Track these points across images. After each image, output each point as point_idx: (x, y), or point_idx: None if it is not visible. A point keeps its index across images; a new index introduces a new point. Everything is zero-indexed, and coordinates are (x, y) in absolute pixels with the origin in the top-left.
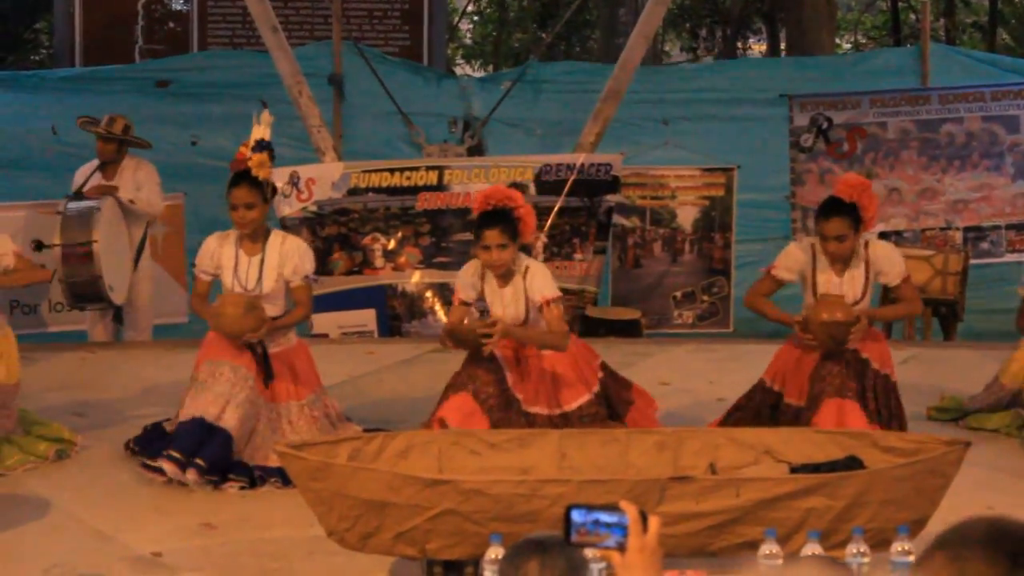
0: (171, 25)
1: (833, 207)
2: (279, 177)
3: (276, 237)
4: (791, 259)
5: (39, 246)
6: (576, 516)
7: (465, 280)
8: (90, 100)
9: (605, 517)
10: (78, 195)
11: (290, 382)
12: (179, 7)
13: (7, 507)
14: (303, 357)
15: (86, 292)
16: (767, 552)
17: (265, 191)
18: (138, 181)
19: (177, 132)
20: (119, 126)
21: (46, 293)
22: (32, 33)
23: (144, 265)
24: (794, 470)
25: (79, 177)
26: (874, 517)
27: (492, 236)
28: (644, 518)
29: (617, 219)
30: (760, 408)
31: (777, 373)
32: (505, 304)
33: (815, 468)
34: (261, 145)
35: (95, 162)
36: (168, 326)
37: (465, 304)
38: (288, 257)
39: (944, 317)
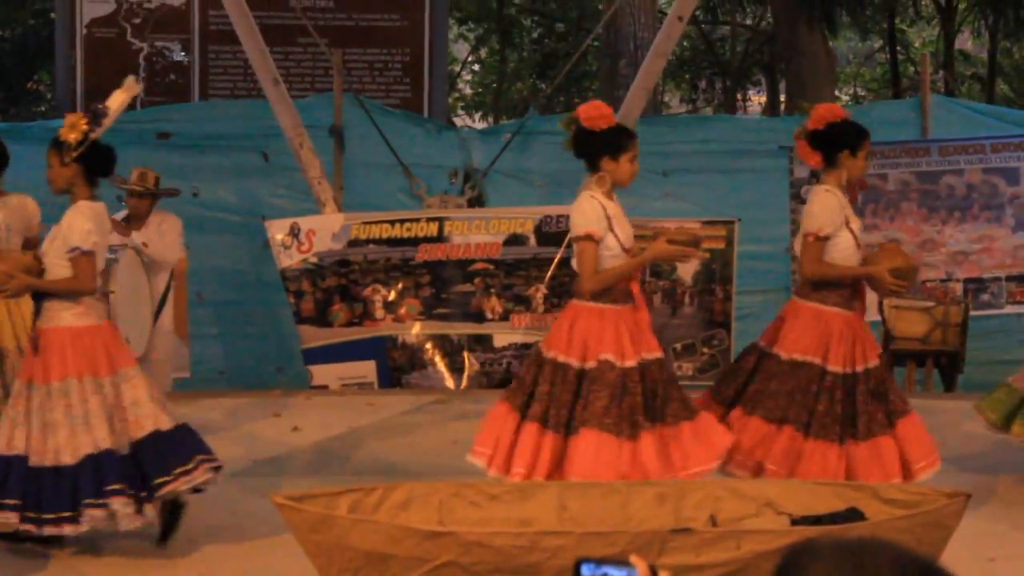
0: (172, 76)
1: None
2: (279, 228)
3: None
4: (832, 211)
5: None
6: (585, 571)
7: (594, 214)
8: None
9: (614, 572)
10: None
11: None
12: (180, 58)
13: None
14: (64, 339)
15: None
16: None
17: (63, 154)
18: (162, 231)
19: (178, 184)
20: (152, 179)
21: None
22: (34, 84)
23: (164, 318)
24: (795, 522)
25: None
26: None
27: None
28: (654, 573)
29: None
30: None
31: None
32: (625, 227)
33: (816, 520)
34: (96, 112)
35: (122, 214)
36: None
37: (596, 242)
38: (61, 224)
39: (944, 368)
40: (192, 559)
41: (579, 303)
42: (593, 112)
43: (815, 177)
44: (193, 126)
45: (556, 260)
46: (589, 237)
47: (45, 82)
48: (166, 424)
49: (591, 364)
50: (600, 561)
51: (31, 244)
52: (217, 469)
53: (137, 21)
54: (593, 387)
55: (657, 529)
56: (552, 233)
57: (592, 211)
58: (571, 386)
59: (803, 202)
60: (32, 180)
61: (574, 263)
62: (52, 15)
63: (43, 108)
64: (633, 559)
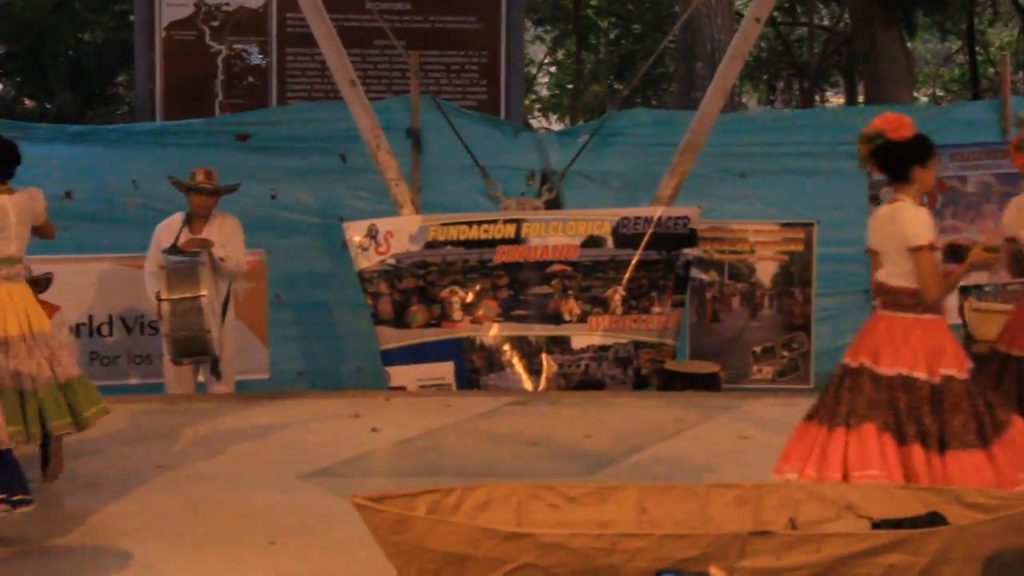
0: (250, 79)
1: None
2: (357, 230)
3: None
4: (929, 219)
5: (158, 297)
6: None
7: (929, 222)
8: (171, 154)
9: None
10: (175, 250)
11: None
12: (258, 61)
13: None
14: None
15: (193, 347)
16: None
17: None
18: (224, 235)
19: (256, 186)
20: (215, 177)
21: (126, 346)
22: (113, 88)
23: (229, 318)
24: (876, 526)
25: (164, 231)
26: (957, 574)
27: None
28: None
29: (695, 273)
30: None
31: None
32: None
33: (897, 524)
34: None
35: (177, 216)
36: (250, 382)
37: (935, 251)
38: None
39: None
40: (272, 559)
41: (914, 315)
42: (896, 123)
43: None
44: (271, 128)
45: (634, 262)
46: (931, 246)
47: (125, 85)
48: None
49: (937, 379)
50: (680, 572)
51: (40, 232)
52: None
53: (215, 24)
54: (948, 403)
55: (737, 532)
56: (630, 235)
57: (927, 220)
58: (924, 401)
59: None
60: (110, 181)
61: (887, 275)
62: (132, 18)
63: (122, 110)
64: (712, 570)
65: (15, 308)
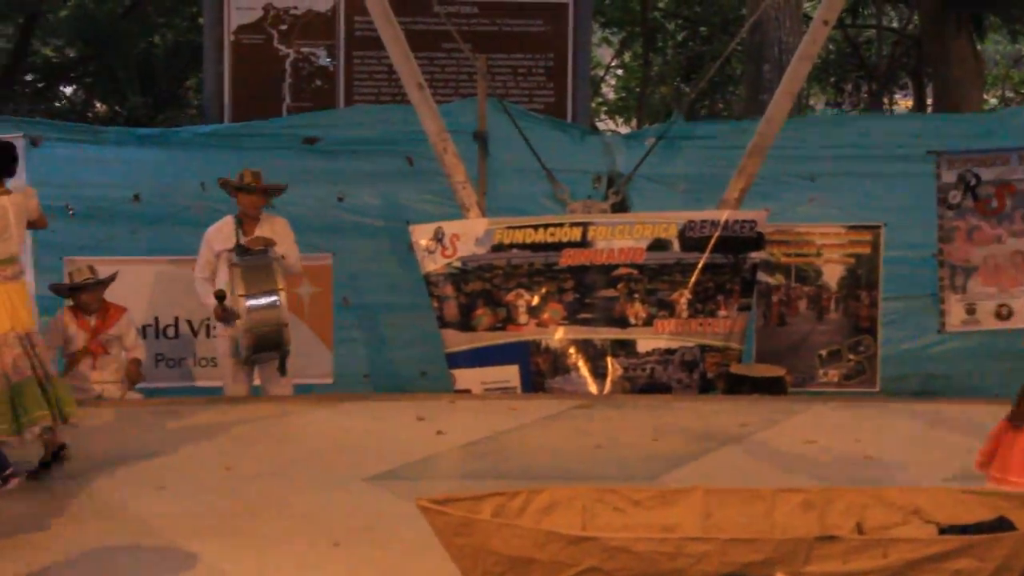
0: (317, 82)
1: None
2: (424, 233)
3: None
4: None
5: (221, 296)
6: None
7: None
8: (238, 157)
9: None
10: (242, 249)
11: None
12: (325, 64)
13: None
14: None
15: (269, 342)
16: None
17: None
18: (276, 236)
19: (324, 189)
20: (261, 178)
21: (191, 348)
22: (183, 91)
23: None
24: (943, 531)
25: (214, 235)
26: None
27: None
28: None
29: (761, 276)
30: None
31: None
32: None
33: (964, 529)
34: None
35: (228, 220)
36: (315, 386)
37: None
38: None
39: None
40: (337, 562)
41: None
42: None
43: (962, 181)
44: (338, 131)
45: (700, 265)
46: None
47: (194, 88)
48: None
49: None
50: None
51: (34, 225)
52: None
53: (283, 28)
54: None
55: (803, 536)
56: (696, 238)
57: None
58: None
59: (949, 207)
60: (177, 183)
61: None
62: (201, 21)
63: (192, 114)
64: (778, 575)
65: (7, 307)
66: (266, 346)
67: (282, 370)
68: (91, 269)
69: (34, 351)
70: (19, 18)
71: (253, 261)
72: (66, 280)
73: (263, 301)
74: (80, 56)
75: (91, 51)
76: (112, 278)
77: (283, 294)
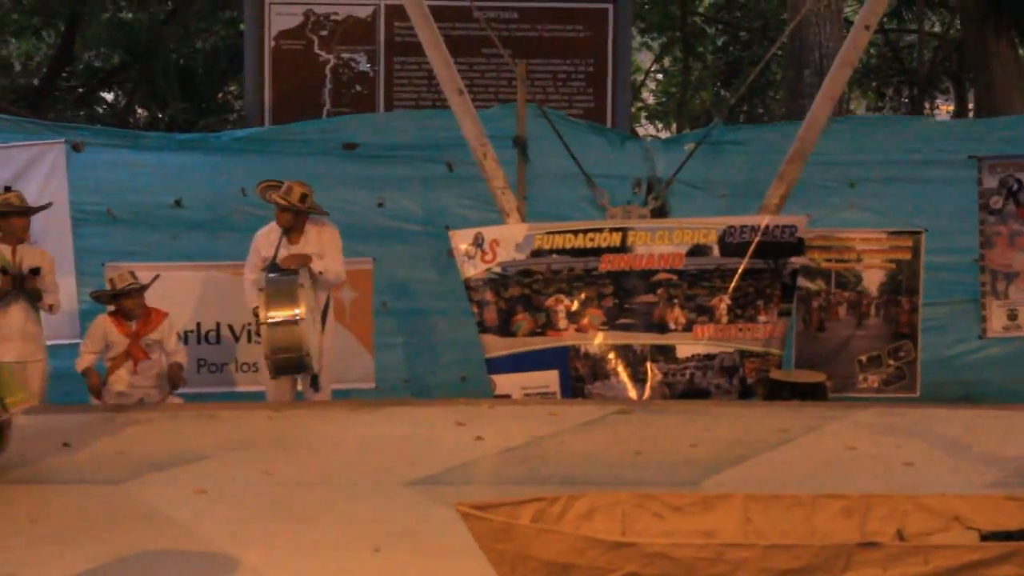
0: (357, 87)
1: None
2: (463, 238)
3: None
4: None
5: (255, 313)
6: None
7: None
8: (278, 162)
9: None
10: (274, 267)
11: None
12: (365, 69)
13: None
14: None
15: (290, 365)
16: None
17: None
18: (321, 246)
19: (364, 194)
20: (296, 195)
21: (232, 353)
22: (224, 96)
23: (329, 328)
24: (985, 538)
25: (263, 239)
26: None
27: None
28: None
29: (801, 282)
30: None
31: None
32: None
33: (1007, 536)
34: None
35: (276, 224)
36: (355, 391)
37: None
38: None
39: None
40: (376, 567)
41: None
42: None
43: (1004, 186)
44: (378, 136)
45: (740, 271)
46: None
47: (234, 93)
48: None
49: None
50: None
51: None
52: None
53: (324, 33)
54: None
55: (843, 543)
56: (736, 244)
57: None
58: None
59: (991, 212)
60: (218, 189)
61: None
62: (242, 27)
63: (232, 119)
64: None
65: None
66: (288, 369)
67: (315, 386)
68: (132, 275)
69: None
70: (61, 25)
71: (278, 283)
72: (107, 286)
73: (281, 326)
74: (121, 62)
75: (132, 57)
76: (154, 280)
77: (302, 320)
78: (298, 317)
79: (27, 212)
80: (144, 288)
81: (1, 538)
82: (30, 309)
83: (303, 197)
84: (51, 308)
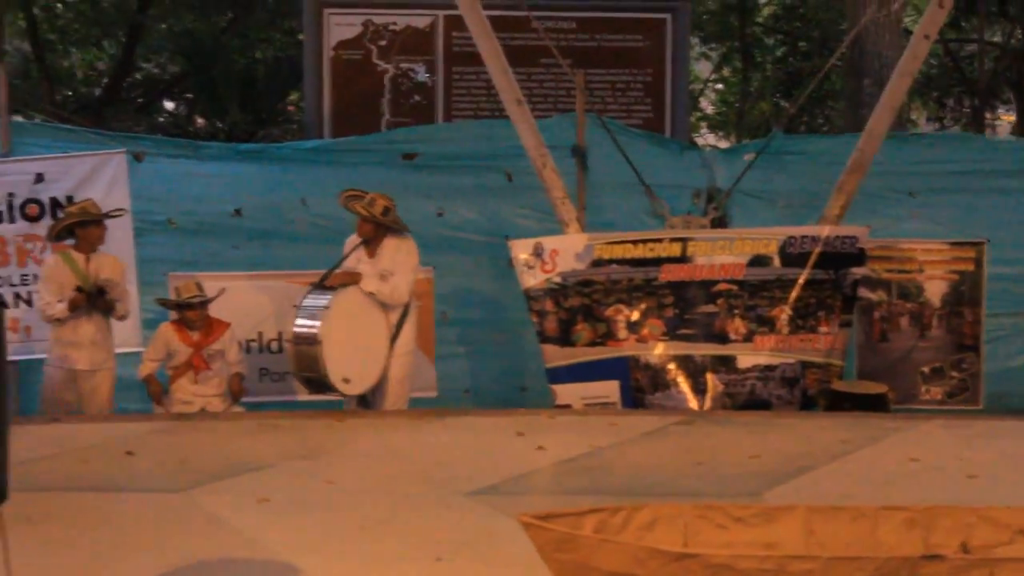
0: (417, 98)
1: None
2: (523, 248)
3: None
4: None
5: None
6: None
7: None
8: (338, 172)
9: None
10: (321, 285)
11: None
12: (424, 79)
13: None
14: None
15: (320, 385)
16: None
17: None
18: (396, 262)
19: (423, 204)
20: (379, 207)
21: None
22: (284, 106)
23: (400, 345)
24: None
25: (346, 248)
26: None
27: None
28: None
29: (863, 293)
30: None
31: None
32: None
33: None
34: None
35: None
36: (417, 400)
37: None
38: None
39: None
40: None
41: None
42: None
43: None
44: (437, 146)
45: (801, 281)
46: None
47: (294, 103)
48: None
49: None
50: None
51: None
52: None
53: (383, 43)
54: None
55: (907, 555)
56: (796, 254)
57: None
58: None
59: None
60: (278, 198)
61: None
62: (301, 37)
63: (292, 129)
64: None
65: None
66: (321, 389)
67: (363, 405)
68: (199, 286)
69: None
70: (122, 35)
71: (309, 305)
72: (171, 295)
73: (303, 347)
74: (182, 72)
75: (192, 67)
76: (220, 294)
77: (321, 345)
78: (317, 337)
79: (103, 220)
80: (209, 301)
81: (64, 546)
82: (101, 318)
83: (385, 210)
84: (121, 317)
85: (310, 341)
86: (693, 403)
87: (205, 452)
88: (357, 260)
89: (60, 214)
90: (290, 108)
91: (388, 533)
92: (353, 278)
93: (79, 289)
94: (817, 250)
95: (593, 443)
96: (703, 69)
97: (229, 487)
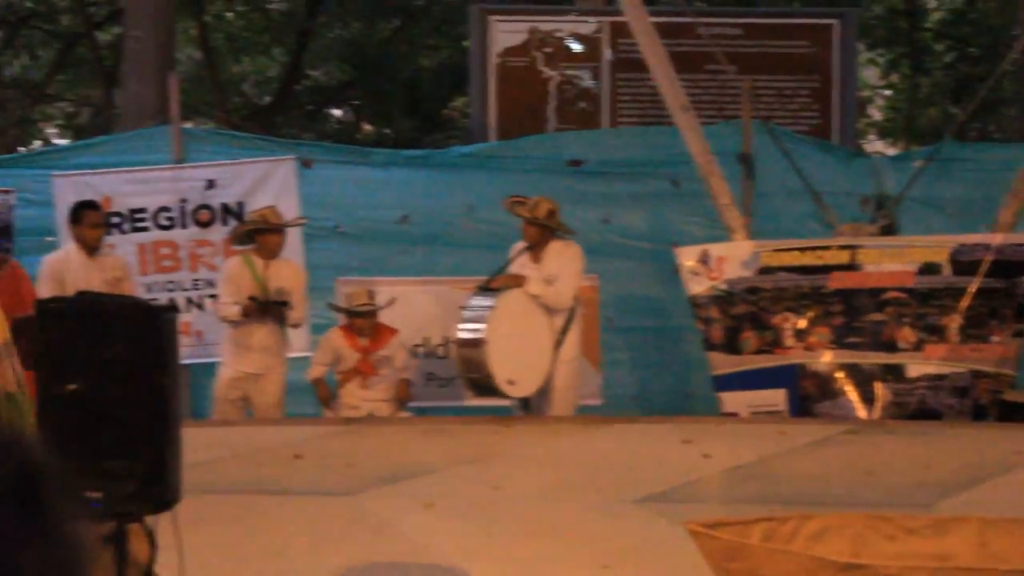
0: (582, 104)
1: None
2: (690, 255)
3: None
4: None
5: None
6: None
7: None
8: (503, 178)
9: None
10: (486, 288)
11: None
12: (590, 86)
13: None
14: None
15: (484, 387)
16: None
17: None
18: (560, 266)
19: (589, 211)
20: (543, 211)
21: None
22: (449, 113)
23: (565, 350)
24: None
25: (511, 254)
26: None
27: None
28: None
29: None
30: None
31: None
32: None
33: None
34: None
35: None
36: (583, 407)
37: None
38: None
39: None
40: None
41: None
42: None
43: None
44: (603, 153)
45: (972, 290)
46: None
47: (460, 110)
48: None
49: None
50: None
51: None
52: None
53: (548, 50)
54: None
55: None
56: (968, 262)
57: None
58: None
59: None
60: (445, 204)
61: None
62: (466, 44)
63: (457, 136)
64: None
65: None
66: (485, 391)
67: (526, 409)
68: (370, 294)
69: None
70: (291, 42)
71: (475, 307)
72: (342, 302)
73: (467, 349)
74: (349, 79)
75: (359, 75)
76: (389, 304)
77: (487, 346)
78: (480, 341)
79: (282, 229)
80: (379, 310)
81: (235, 548)
82: (273, 324)
83: (550, 213)
84: (294, 325)
85: (475, 343)
86: (862, 412)
87: (372, 456)
88: (522, 265)
89: (234, 221)
90: (455, 115)
91: (554, 539)
92: (517, 281)
93: (251, 298)
94: (989, 258)
95: (760, 451)
96: (870, 75)
97: (396, 491)
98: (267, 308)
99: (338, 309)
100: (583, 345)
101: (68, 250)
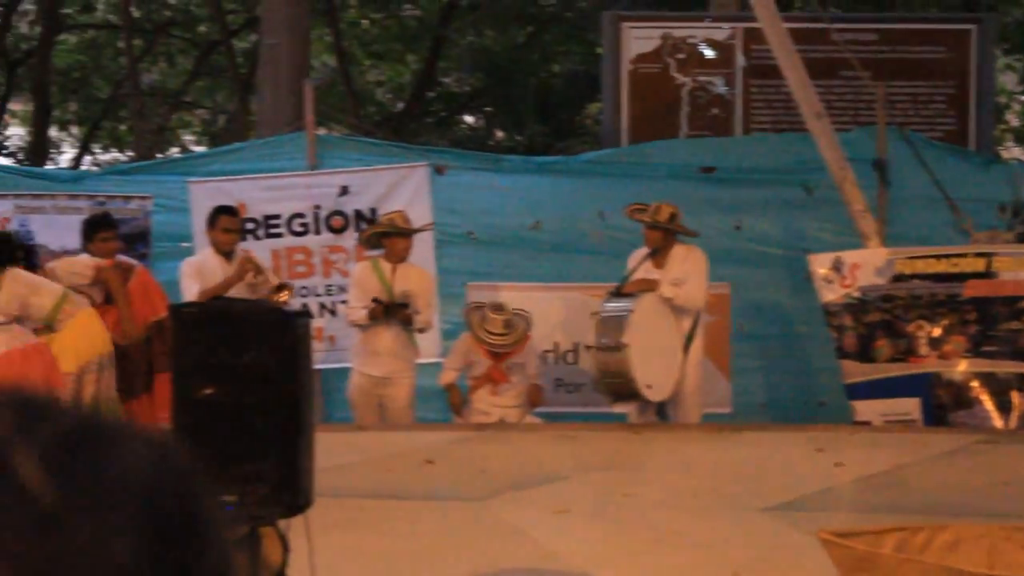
0: (714, 111)
1: None
2: (822, 262)
3: None
4: None
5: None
6: None
7: None
8: (635, 185)
9: None
10: (618, 292)
11: None
12: (722, 92)
13: None
14: None
15: (623, 392)
16: None
17: None
18: (685, 270)
19: (721, 218)
20: (664, 215)
21: (586, 374)
22: (581, 119)
23: (693, 354)
24: None
25: (631, 263)
26: None
27: None
28: None
29: None
30: None
31: None
32: None
33: None
34: None
35: (646, 248)
36: (712, 415)
37: None
38: None
39: None
40: None
41: None
42: None
43: None
44: (736, 160)
45: None
46: None
47: (591, 116)
48: None
49: None
50: None
51: None
52: None
53: (681, 57)
54: None
55: None
56: None
57: None
58: None
59: None
60: (576, 211)
61: None
62: (599, 50)
63: (589, 142)
64: None
65: None
66: (623, 396)
67: (662, 417)
68: (507, 323)
69: None
70: (425, 49)
71: (612, 310)
72: (474, 317)
73: (607, 354)
74: (481, 86)
75: (491, 81)
76: (526, 332)
77: (628, 349)
78: (621, 345)
79: (409, 234)
80: (515, 345)
81: (365, 553)
82: (400, 329)
83: (671, 217)
84: (421, 330)
85: (615, 348)
86: (998, 422)
87: (503, 462)
88: (646, 271)
89: (367, 227)
90: (588, 121)
91: (684, 546)
92: (650, 285)
93: (375, 300)
94: None
95: (893, 460)
96: (1008, 81)
97: (527, 497)
98: (391, 310)
99: (479, 340)
100: (713, 352)
101: (205, 254)
